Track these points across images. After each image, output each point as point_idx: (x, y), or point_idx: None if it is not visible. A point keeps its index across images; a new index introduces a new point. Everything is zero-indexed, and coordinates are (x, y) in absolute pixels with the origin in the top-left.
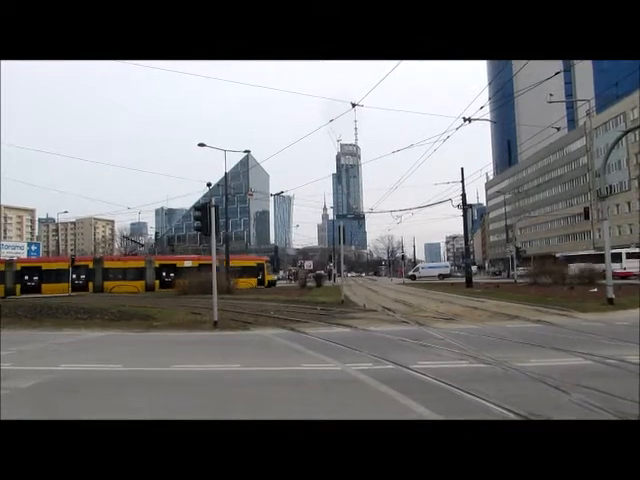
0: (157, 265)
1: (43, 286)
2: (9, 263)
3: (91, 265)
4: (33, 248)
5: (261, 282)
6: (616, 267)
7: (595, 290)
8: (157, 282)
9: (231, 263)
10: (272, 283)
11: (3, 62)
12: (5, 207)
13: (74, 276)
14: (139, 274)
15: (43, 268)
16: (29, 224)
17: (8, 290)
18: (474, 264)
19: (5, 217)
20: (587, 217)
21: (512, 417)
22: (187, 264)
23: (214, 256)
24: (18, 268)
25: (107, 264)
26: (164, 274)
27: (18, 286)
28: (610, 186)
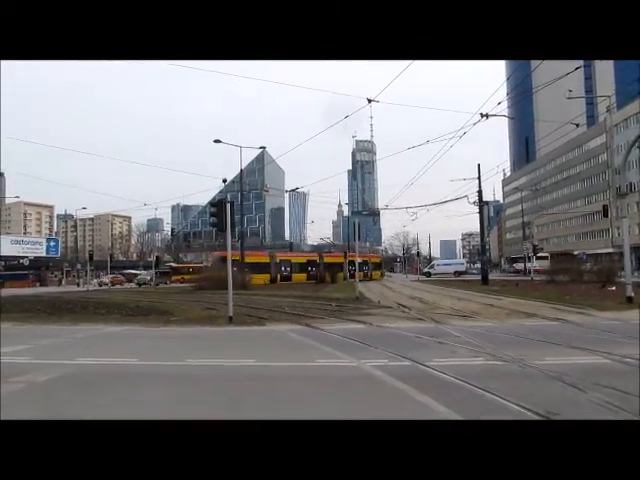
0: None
1: (293, 276)
2: (272, 256)
3: (318, 260)
4: (52, 244)
5: (382, 274)
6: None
7: (614, 288)
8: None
9: (370, 260)
10: (383, 274)
11: (4, 62)
12: (25, 203)
13: (309, 268)
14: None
15: (292, 261)
16: (48, 220)
17: (272, 279)
18: (490, 261)
19: (25, 213)
20: (606, 215)
21: (529, 415)
22: (358, 260)
23: (229, 252)
24: (278, 261)
25: (327, 259)
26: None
27: (278, 275)
28: (630, 183)
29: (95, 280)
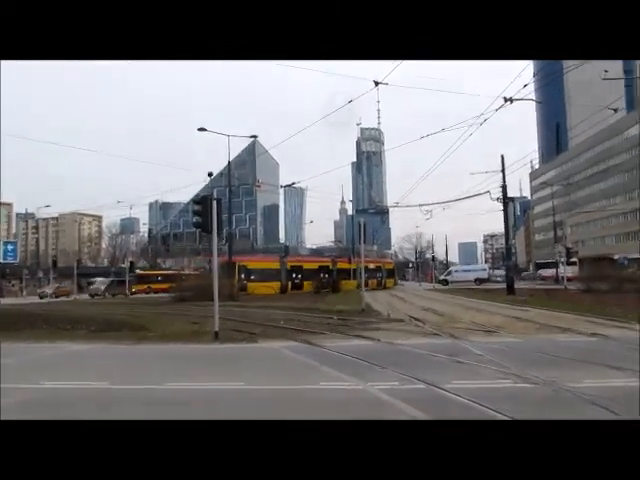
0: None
1: (305, 283)
2: (282, 261)
3: (331, 265)
4: (9, 248)
5: (395, 282)
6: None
7: None
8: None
9: (383, 265)
10: (396, 282)
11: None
12: None
13: (322, 275)
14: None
15: (304, 267)
16: (5, 220)
17: (283, 287)
18: (516, 267)
19: None
20: None
21: None
22: (371, 266)
23: (215, 256)
24: (289, 267)
25: (340, 265)
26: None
27: (289, 283)
28: None
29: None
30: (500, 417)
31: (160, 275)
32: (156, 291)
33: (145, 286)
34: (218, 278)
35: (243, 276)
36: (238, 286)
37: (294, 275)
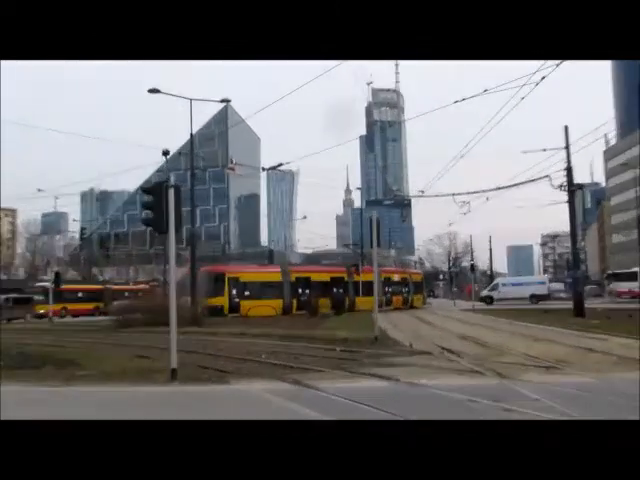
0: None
1: (313, 301)
2: (285, 272)
3: (346, 277)
4: None
5: (424, 299)
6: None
7: None
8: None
9: (410, 277)
10: (425, 300)
11: None
12: None
13: (334, 289)
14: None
15: (312, 279)
16: None
17: (286, 306)
18: (587, 278)
19: None
20: None
21: None
22: (395, 278)
23: (172, 264)
24: (293, 279)
25: (357, 277)
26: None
27: (294, 301)
28: None
29: None
30: None
31: (82, 291)
32: (75, 314)
33: (59, 307)
34: (190, 295)
35: (235, 292)
36: (229, 305)
37: (300, 290)
